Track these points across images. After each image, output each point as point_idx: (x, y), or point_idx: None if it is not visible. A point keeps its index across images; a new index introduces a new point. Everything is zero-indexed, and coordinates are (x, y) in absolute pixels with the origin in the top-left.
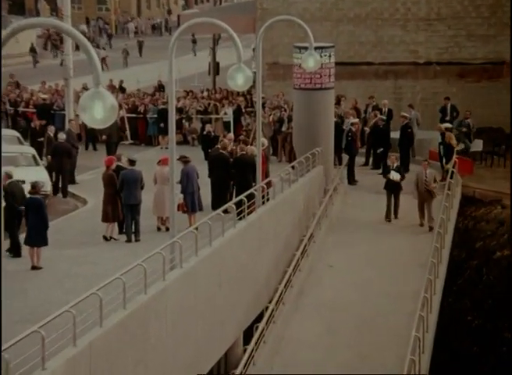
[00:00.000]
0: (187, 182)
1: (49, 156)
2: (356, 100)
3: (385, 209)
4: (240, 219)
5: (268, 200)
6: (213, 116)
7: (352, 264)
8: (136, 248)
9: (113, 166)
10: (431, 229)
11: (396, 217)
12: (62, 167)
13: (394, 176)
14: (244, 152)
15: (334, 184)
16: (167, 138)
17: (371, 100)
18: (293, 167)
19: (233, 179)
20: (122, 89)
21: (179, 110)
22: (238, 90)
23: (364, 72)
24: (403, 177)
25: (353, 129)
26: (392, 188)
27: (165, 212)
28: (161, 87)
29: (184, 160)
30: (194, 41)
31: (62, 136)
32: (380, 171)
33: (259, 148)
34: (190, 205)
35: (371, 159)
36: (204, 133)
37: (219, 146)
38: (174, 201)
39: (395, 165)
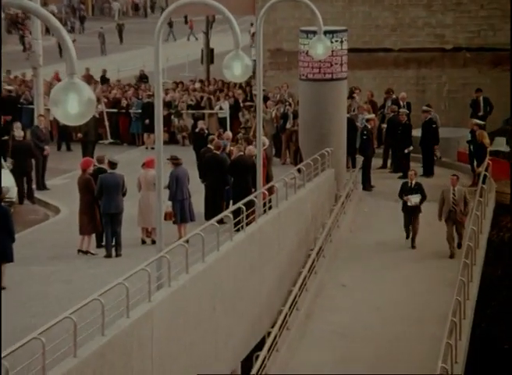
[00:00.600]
0: (177, 187)
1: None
2: (372, 92)
3: (405, 231)
4: (238, 230)
5: (270, 208)
6: (206, 112)
7: (368, 283)
8: (117, 264)
9: (90, 170)
10: (460, 246)
11: (413, 246)
12: (25, 169)
13: (413, 200)
14: (241, 153)
15: (347, 190)
16: (153, 137)
17: (389, 94)
18: (299, 170)
19: (230, 184)
20: (104, 80)
21: (168, 104)
22: (235, 81)
23: (382, 60)
24: (424, 198)
25: (369, 126)
26: (411, 212)
27: (150, 222)
28: (143, 78)
29: (175, 162)
30: (170, 25)
31: (19, 133)
32: (400, 174)
33: (259, 148)
34: (180, 214)
35: (389, 161)
36: (196, 131)
37: (212, 146)
38: (161, 210)
39: (413, 182)
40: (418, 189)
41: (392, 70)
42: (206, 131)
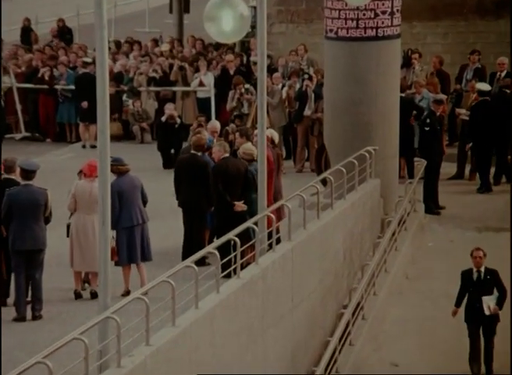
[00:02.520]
0: (121, 208)
1: None
2: (441, 58)
3: (469, 353)
4: (229, 275)
5: (278, 242)
6: (179, 89)
7: (431, 359)
8: (36, 332)
9: None
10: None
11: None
12: None
13: (489, 304)
14: (227, 155)
15: (400, 213)
16: (94, 129)
17: (473, 56)
18: (324, 181)
19: (216, 202)
20: (26, 35)
21: (117, 77)
22: (224, 41)
23: (458, 5)
24: (502, 296)
25: (437, 112)
26: (481, 322)
27: (90, 263)
28: (63, 33)
29: (117, 168)
30: None
31: None
32: (484, 188)
33: (262, 146)
34: (127, 250)
35: (467, 167)
36: (163, 119)
37: (190, 143)
38: (107, 244)
39: (482, 270)
40: (492, 282)
41: (476, 22)
42: (178, 120)
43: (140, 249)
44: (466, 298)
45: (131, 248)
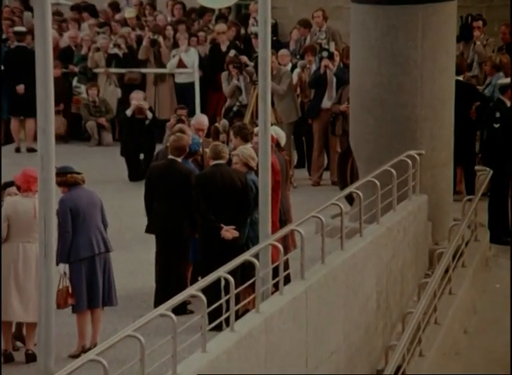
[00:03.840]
0: (77, 231)
1: None
2: None
3: None
4: (219, 328)
5: (287, 281)
6: (150, 71)
7: None
8: None
9: None
10: None
11: None
12: None
13: None
14: (221, 162)
15: (456, 242)
16: (32, 125)
17: None
18: (350, 198)
19: (201, 226)
20: None
21: (65, 54)
22: (213, 6)
23: None
24: None
25: (508, 102)
26: None
27: (29, 312)
28: None
29: (68, 178)
30: None
31: None
32: None
33: (264, 150)
34: (87, 290)
35: None
36: (129, 113)
37: (167, 145)
38: (50, 284)
39: None
40: None
41: None
42: (150, 114)
43: (101, 289)
44: None
45: (92, 286)
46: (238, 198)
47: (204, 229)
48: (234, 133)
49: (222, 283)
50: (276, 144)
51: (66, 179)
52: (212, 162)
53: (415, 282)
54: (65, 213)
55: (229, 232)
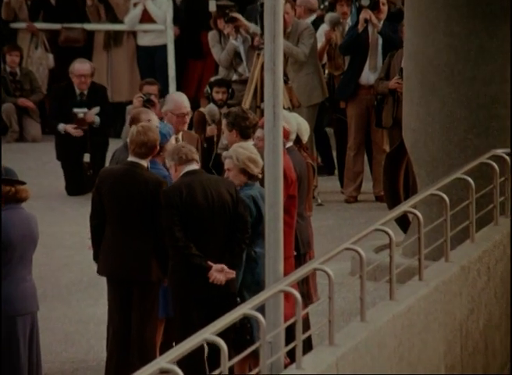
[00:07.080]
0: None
1: None
2: None
3: None
4: None
5: (307, 348)
6: (98, 28)
7: None
8: None
9: None
10: None
11: None
12: None
13: None
14: (195, 167)
15: None
16: None
17: None
18: (403, 222)
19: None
20: None
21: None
22: None
23: None
24: None
25: None
26: None
27: None
28: None
29: (11, 191)
30: None
31: None
32: None
33: (273, 148)
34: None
35: None
36: (61, 129)
37: (126, 141)
38: None
39: None
40: None
41: None
42: (97, 120)
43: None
44: None
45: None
46: (228, 220)
47: (180, 269)
48: (228, 123)
49: (206, 350)
50: (296, 140)
51: (8, 192)
52: (183, 170)
53: (506, 351)
54: None
55: (221, 273)
